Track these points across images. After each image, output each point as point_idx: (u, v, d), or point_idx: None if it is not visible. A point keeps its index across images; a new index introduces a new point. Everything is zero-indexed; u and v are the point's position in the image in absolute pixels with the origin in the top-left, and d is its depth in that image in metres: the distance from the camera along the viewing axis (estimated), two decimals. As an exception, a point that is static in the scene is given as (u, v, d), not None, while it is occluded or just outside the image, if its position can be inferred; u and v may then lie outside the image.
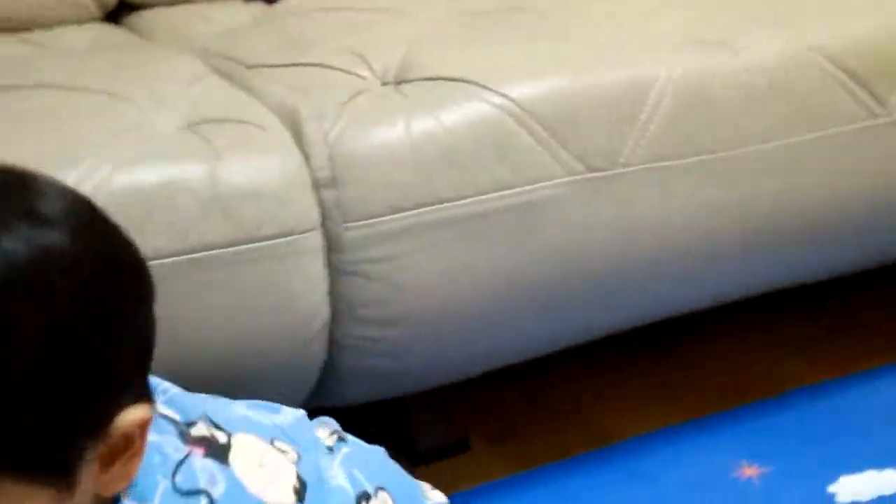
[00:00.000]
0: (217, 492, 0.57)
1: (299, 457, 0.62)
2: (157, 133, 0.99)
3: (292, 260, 1.00)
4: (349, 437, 0.72)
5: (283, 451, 0.61)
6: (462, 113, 1.07)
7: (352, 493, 0.65)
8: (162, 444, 0.56)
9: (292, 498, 0.61)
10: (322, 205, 1.02)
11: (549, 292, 1.15)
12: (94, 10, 1.38)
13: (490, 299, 1.13)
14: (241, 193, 0.96)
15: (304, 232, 1.00)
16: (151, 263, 0.80)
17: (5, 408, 0.44)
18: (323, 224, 1.01)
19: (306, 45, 1.22)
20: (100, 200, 0.87)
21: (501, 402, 1.39)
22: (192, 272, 0.95)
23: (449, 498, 0.83)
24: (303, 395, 1.10)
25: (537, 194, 1.09)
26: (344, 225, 1.02)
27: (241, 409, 0.67)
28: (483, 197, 1.07)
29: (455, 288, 1.10)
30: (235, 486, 0.58)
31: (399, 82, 1.13)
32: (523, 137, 1.09)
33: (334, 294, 1.04)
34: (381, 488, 0.68)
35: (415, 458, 1.24)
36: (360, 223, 1.03)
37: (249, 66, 1.18)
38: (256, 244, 0.97)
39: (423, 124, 1.06)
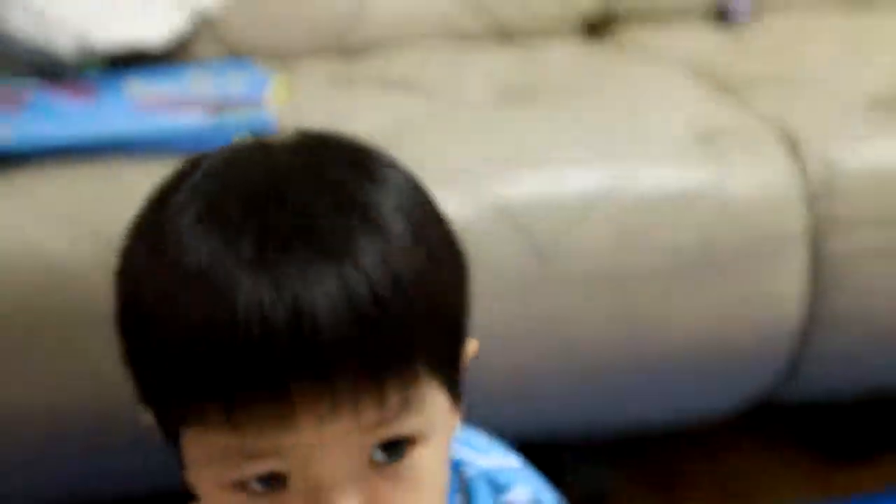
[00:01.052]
0: None
1: None
2: (672, 139, 1.11)
3: (781, 263, 1.09)
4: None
5: None
6: None
7: None
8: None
9: None
10: (813, 215, 1.09)
11: None
12: (575, 25, 1.51)
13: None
14: (747, 199, 1.07)
15: (791, 240, 1.09)
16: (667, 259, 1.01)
17: (448, 308, 0.52)
18: (812, 233, 1.09)
19: (794, 62, 1.30)
20: (619, 206, 1.05)
21: None
22: (704, 269, 1.07)
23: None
24: (761, 389, 1.20)
25: None
26: (833, 236, 1.10)
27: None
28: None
29: None
30: None
31: (889, 104, 1.18)
32: None
33: (812, 298, 1.12)
34: None
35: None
36: (847, 237, 1.10)
37: (738, 80, 1.27)
38: (754, 244, 1.08)
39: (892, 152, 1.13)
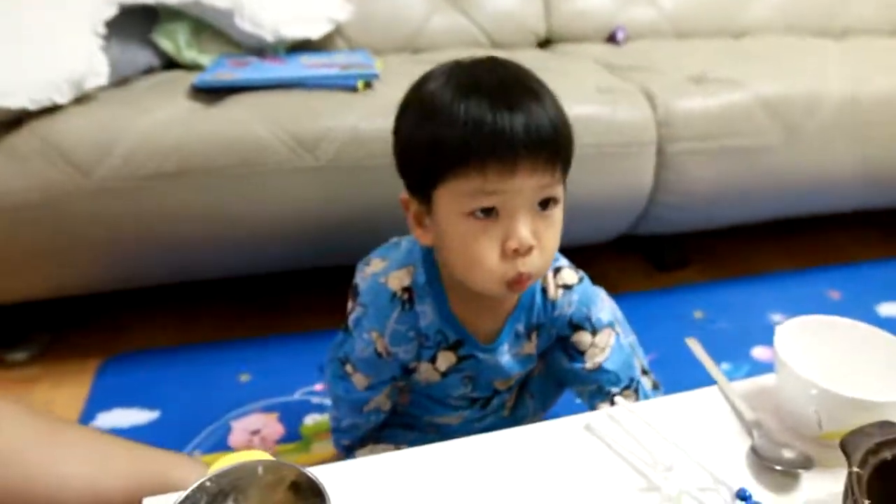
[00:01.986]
0: None
1: None
2: (586, 90, 1.33)
3: (640, 159, 1.34)
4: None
5: None
6: (722, 98, 1.38)
7: None
8: None
9: None
10: (659, 133, 1.34)
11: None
12: (533, 41, 1.77)
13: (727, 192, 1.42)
14: (625, 123, 1.29)
15: (648, 145, 1.33)
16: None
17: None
18: (658, 142, 1.34)
19: (648, 60, 1.56)
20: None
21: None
22: (594, 159, 1.28)
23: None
24: (626, 225, 1.42)
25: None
26: (669, 144, 1.35)
27: None
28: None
29: (711, 185, 1.41)
30: None
31: (699, 80, 1.46)
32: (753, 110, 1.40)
33: (656, 177, 1.37)
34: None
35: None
36: (676, 144, 1.35)
37: (620, 68, 1.52)
38: (628, 148, 1.30)
39: (710, 101, 1.37)
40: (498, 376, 0.85)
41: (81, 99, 1.14)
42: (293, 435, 1.12)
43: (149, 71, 1.40)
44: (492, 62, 0.69)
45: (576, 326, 0.83)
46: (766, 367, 1.02)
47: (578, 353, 0.84)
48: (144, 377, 1.24)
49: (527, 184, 0.65)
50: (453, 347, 0.79)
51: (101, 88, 1.19)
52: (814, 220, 1.66)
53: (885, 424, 0.58)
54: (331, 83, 1.23)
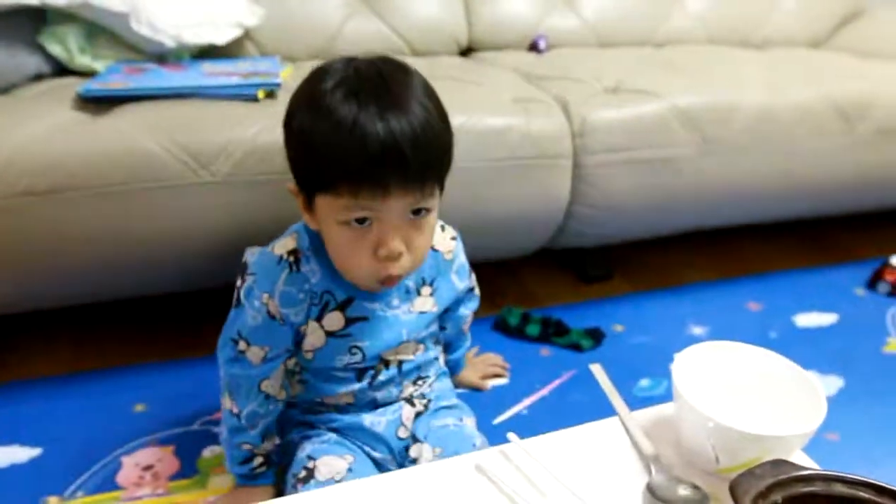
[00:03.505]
0: None
1: None
2: (501, 101, 1.29)
3: (556, 171, 1.30)
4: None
5: None
6: (638, 108, 1.36)
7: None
8: None
9: None
10: (574, 144, 1.32)
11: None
12: (455, 49, 1.75)
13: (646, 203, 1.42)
14: (540, 135, 1.26)
15: (564, 157, 1.31)
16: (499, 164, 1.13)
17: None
18: (574, 154, 1.32)
19: (566, 70, 1.54)
20: (475, 132, 1.21)
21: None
22: (509, 171, 1.25)
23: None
24: (545, 239, 1.40)
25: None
26: (584, 156, 1.33)
27: None
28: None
29: (629, 196, 1.39)
30: None
31: (615, 90, 1.45)
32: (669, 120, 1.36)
33: (573, 189, 1.35)
34: None
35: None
36: (592, 156, 1.33)
37: (539, 77, 1.50)
38: (544, 160, 1.28)
39: (625, 111, 1.36)
40: (388, 344, 0.87)
41: (-47, 108, 1.04)
42: (189, 469, 1.05)
43: (38, 78, 1.31)
44: (379, 72, 0.71)
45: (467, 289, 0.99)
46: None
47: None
48: (28, 410, 1.15)
49: (398, 203, 0.70)
50: (342, 307, 0.83)
51: (-21, 95, 1.08)
52: (735, 230, 1.68)
53: (778, 463, 0.55)
54: (228, 93, 1.17)
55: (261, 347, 0.85)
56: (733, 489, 0.53)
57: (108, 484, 1.03)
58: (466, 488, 0.64)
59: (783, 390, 0.67)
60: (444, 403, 0.97)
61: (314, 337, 0.85)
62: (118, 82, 1.18)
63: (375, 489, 0.63)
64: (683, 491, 0.62)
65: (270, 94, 1.21)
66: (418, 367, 0.94)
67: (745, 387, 0.70)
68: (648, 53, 1.76)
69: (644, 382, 1.28)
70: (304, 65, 1.41)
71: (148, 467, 1.06)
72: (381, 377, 0.91)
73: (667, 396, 0.81)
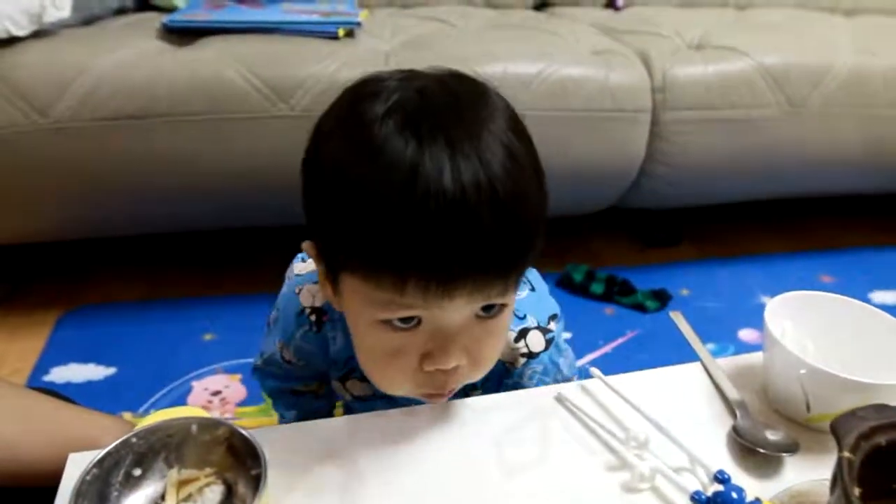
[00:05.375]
0: None
1: None
2: (579, 51, 1.30)
3: (633, 125, 1.28)
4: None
5: None
6: (724, 65, 1.33)
7: None
8: None
9: None
10: (654, 99, 1.30)
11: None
12: (530, 3, 1.73)
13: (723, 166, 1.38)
14: (618, 87, 1.25)
15: (643, 112, 1.28)
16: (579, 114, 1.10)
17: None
18: (653, 109, 1.30)
19: (647, 26, 1.51)
20: (550, 81, 1.21)
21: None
22: (584, 123, 1.25)
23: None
24: (616, 196, 1.39)
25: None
26: (664, 112, 1.31)
27: None
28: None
29: (707, 157, 1.37)
30: None
31: (699, 46, 1.42)
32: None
33: (649, 146, 1.33)
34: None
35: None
36: (673, 112, 1.31)
37: (618, 32, 1.48)
38: (621, 113, 1.26)
39: (710, 68, 1.33)
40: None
41: (41, 34, 1.08)
42: (256, 398, 1.07)
43: (121, 11, 1.34)
44: (454, 97, 0.47)
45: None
46: (752, 350, 0.98)
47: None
48: (104, 332, 1.19)
49: (464, 307, 0.48)
50: (367, 379, 0.59)
51: (66, 25, 1.13)
52: (808, 205, 1.64)
53: (880, 407, 0.53)
54: (310, 29, 1.17)
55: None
56: (834, 428, 0.51)
57: (180, 405, 1.05)
58: (545, 418, 0.62)
59: (877, 342, 0.65)
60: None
61: (340, 391, 0.70)
62: (201, 15, 1.20)
63: (443, 414, 0.61)
64: (772, 436, 0.60)
65: (350, 34, 1.20)
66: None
67: (837, 337, 0.67)
68: (732, 14, 1.70)
69: (710, 346, 1.24)
70: (379, 11, 1.45)
71: (216, 392, 1.08)
72: None
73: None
